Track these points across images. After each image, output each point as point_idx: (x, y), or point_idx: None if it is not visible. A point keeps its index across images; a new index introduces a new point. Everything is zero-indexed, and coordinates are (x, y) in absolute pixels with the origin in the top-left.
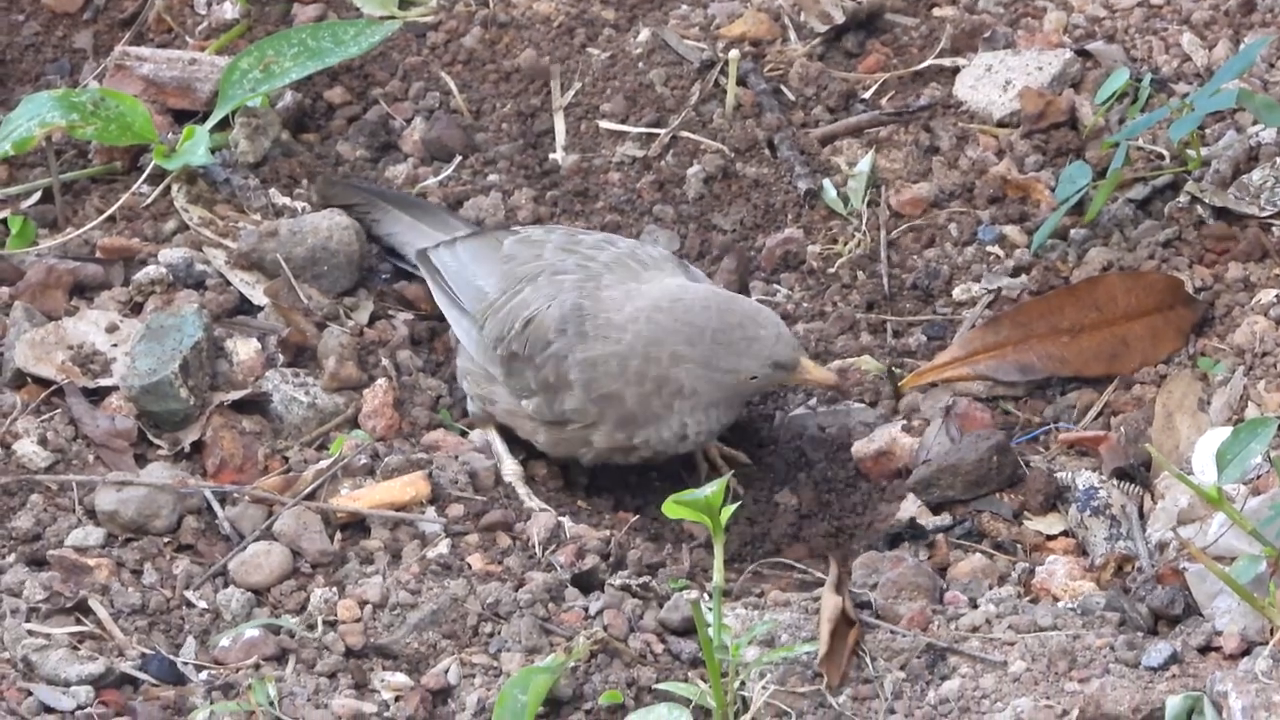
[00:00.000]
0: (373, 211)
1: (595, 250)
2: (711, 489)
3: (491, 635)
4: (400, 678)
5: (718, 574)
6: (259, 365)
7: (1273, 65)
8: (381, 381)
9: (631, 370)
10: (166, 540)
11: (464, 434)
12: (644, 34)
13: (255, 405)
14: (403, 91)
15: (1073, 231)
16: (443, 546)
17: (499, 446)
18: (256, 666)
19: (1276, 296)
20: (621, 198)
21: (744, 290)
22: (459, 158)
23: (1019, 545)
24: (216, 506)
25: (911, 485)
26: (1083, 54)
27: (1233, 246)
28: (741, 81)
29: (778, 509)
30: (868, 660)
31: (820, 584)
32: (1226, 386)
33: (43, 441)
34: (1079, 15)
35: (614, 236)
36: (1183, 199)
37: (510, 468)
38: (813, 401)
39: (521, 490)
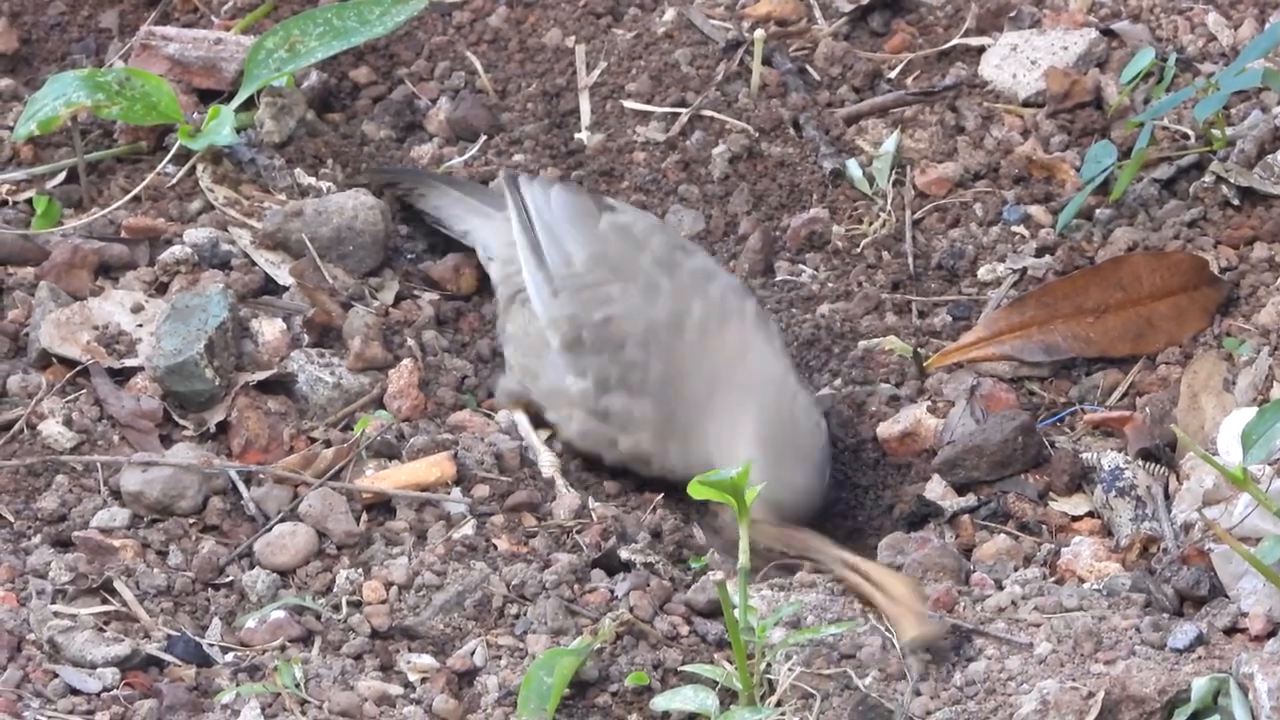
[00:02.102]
0: (419, 187)
1: (694, 286)
2: (737, 469)
3: (517, 617)
4: (426, 659)
5: (743, 555)
6: (284, 345)
7: None
8: (407, 362)
9: (694, 421)
10: (192, 521)
11: (489, 416)
12: (669, 14)
13: (280, 385)
14: (428, 71)
15: (1098, 211)
16: (468, 528)
17: (534, 439)
18: (282, 648)
19: None
20: (646, 177)
21: (768, 270)
22: (484, 137)
23: (1044, 526)
24: (242, 487)
25: (936, 466)
26: (1108, 33)
27: (1258, 226)
28: (767, 61)
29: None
30: (894, 641)
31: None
32: (1252, 367)
33: (68, 422)
34: None
35: (712, 266)
36: (1208, 179)
37: (548, 459)
38: (837, 382)
39: (560, 483)
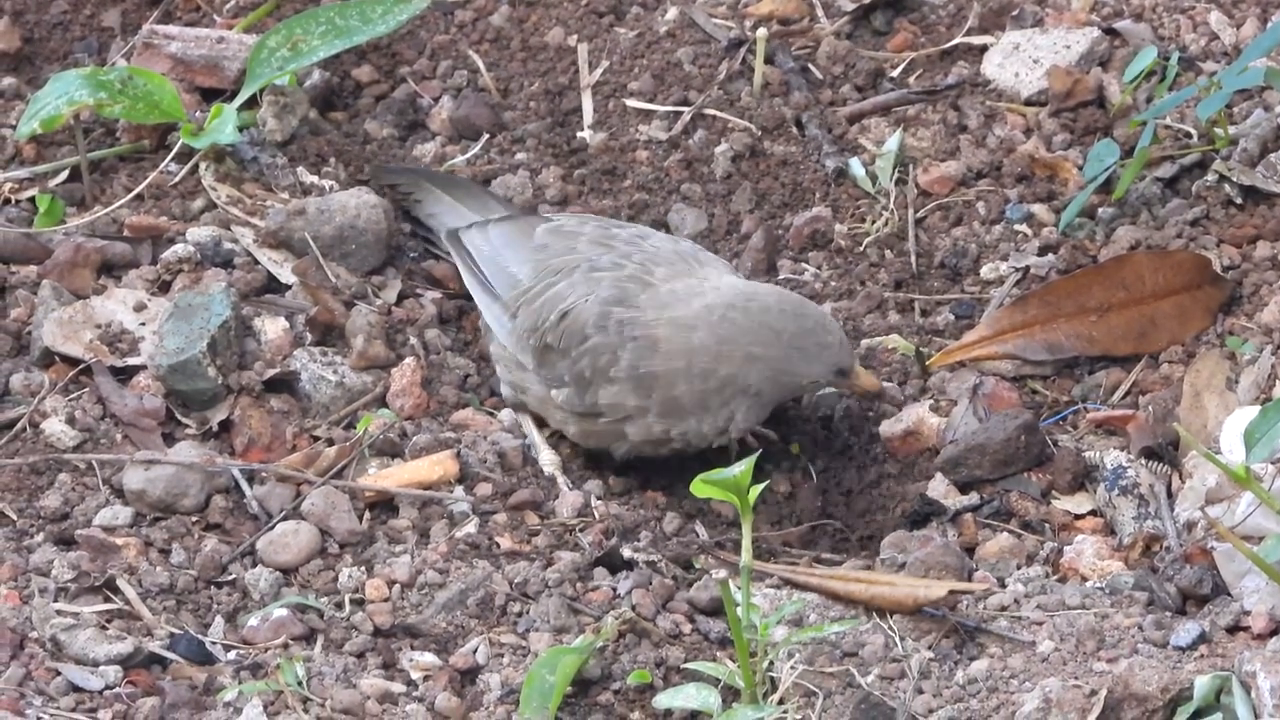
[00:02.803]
0: (415, 192)
1: (630, 246)
2: (740, 468)
3: (520, 615)
4: (429, 657)
5: (746, 553)
6: (287, 344)
7: None
8: (409, 360)
9: (698, 366)
10: (194, 519)
11: (492, 414)
12: (672, 12)
13: (283, 384)
14: (431, 70)
15: (1100, 210)
16: (471, 526)
17: (536, 436)
18: (285, 646)
19: None
20: (649, 176)
21: (771, 269)
22: (487, 136)
23: (1047, 525)
24: (244, 485)
25: (939, 465)
26: (1110, 32)
27: (1261, 225)
28: (769, 60)
29: (805, 488)
30: (896, 639)
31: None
32: (1254, 365)
33: (71, 420)
34: None
35: (646, 230)
36: (1210, 177)
37: (548, 458)
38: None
39: (561, 480)
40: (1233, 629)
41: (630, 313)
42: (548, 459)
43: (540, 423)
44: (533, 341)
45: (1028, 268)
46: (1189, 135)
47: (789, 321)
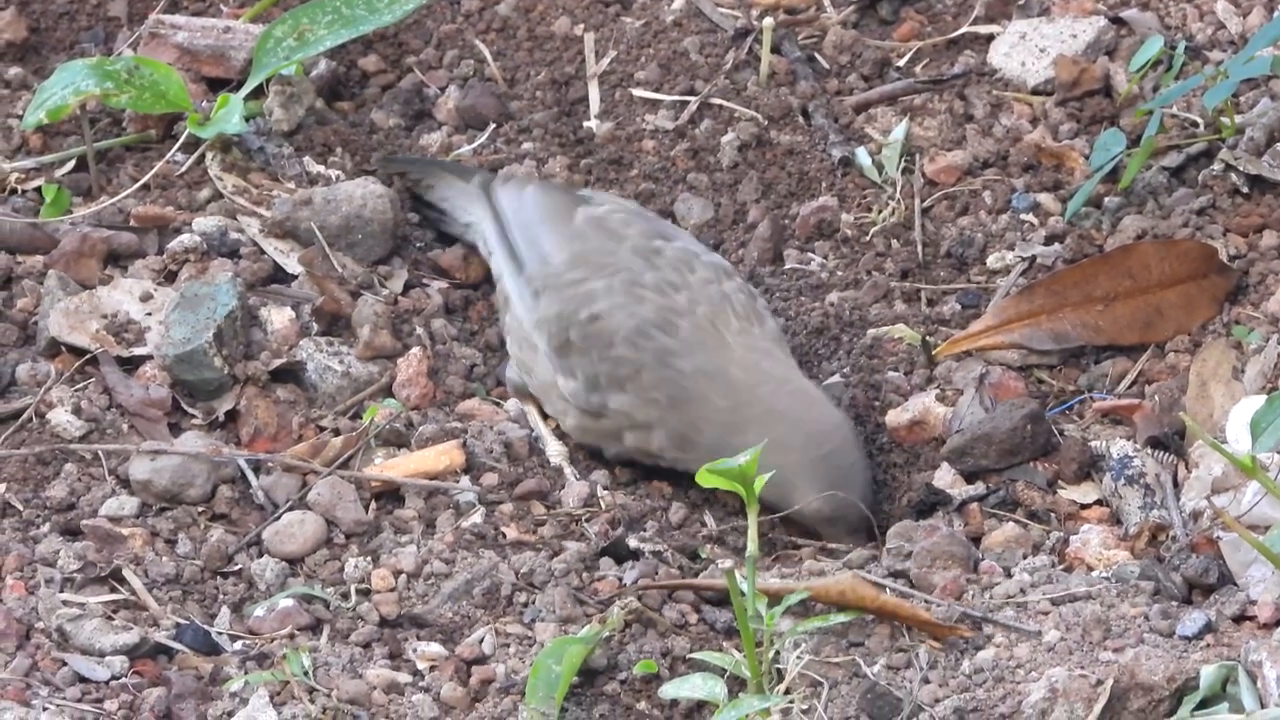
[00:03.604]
0: (426, 177)
1: (676, 274)
2: (745, 457)
3: (526, 605)
4: (435, 647)
5: (752, 543)
6: (293, 334)
7: None
8: (416, 350)
9: (722, 419)
10: (200, 510)
11: (498, 404)
12: (678, 2)
13: (289, 374)
14: (437, 59)
15: (1107, 199)
16: (477, 516)
17: (542, 428)
18: (291, 636)
19: None
20: (655, 166)
21: (777, 258)
22: (493, 126)
23: (1053, 514)
24: (250, 476)
25: (945, 454)
26: (1117, 21)
27: (1267, 214)
28: (776, 49)
29: None
30: (902, 629)
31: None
32: (1261, 355)
33: (77, 411)
34: None
35: (692, 250)
36: (1217, 167)
37: (555, 448)
38: (845, 369)
39: (569, 471)
40: (1239, 618)
41: (670, 342)
42: (555, 449)
43: (541, 408)
44: (553, 329)
45: (1034, 257)
46: (1195, 124)
47: (814, 449)
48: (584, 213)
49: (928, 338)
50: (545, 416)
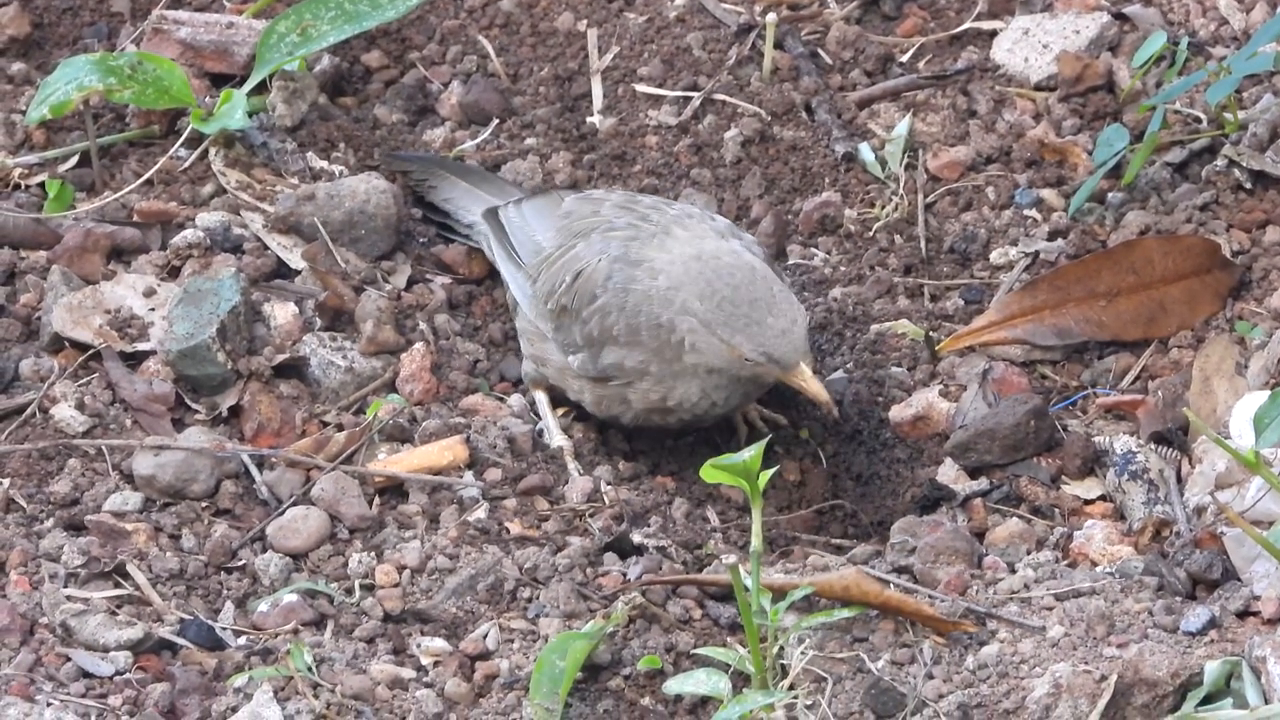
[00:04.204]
0: (430, 178)
1: (652, 210)
2: (750, 453)
3: (530, 600)
4: (439, 643)
5: (756, 538)
6: (296, 329)
7: None
8: (419, 345)
9: (655, 315)
10: (204, 505)
11: (501, 399)
12: None
13: (293, 369)
14: (440, 55)
15: (1110, 195)
16: (481, 511)
17: (550, 420)
18: (295, 631)
19: None
20: (659, 161)
21: (780, 254)
22: (496, 121)
23: (1057, 510)
24: (254, 471)
25: (949, 450)
26: (1120, 17)
27: (1270, 210)
28: (779, 45)
29: (815, 473)
30: (906, 625)
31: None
32: (1264, 350)
33: (80, 406)
34: None
35: (669, 201)
36: (1220, 162)
37: (559, 440)
38: (850, 364)
39: (571, 465)
40: (1243, 614)
41: (630, 270)
42: (559, 441)
43: (559, 401)
44: (550, 305)
45: (1037, 253)
46: (1198, 120)
47: (734, 286)
48: (570, 196)
49: (931, 333)
50: (556, 408)
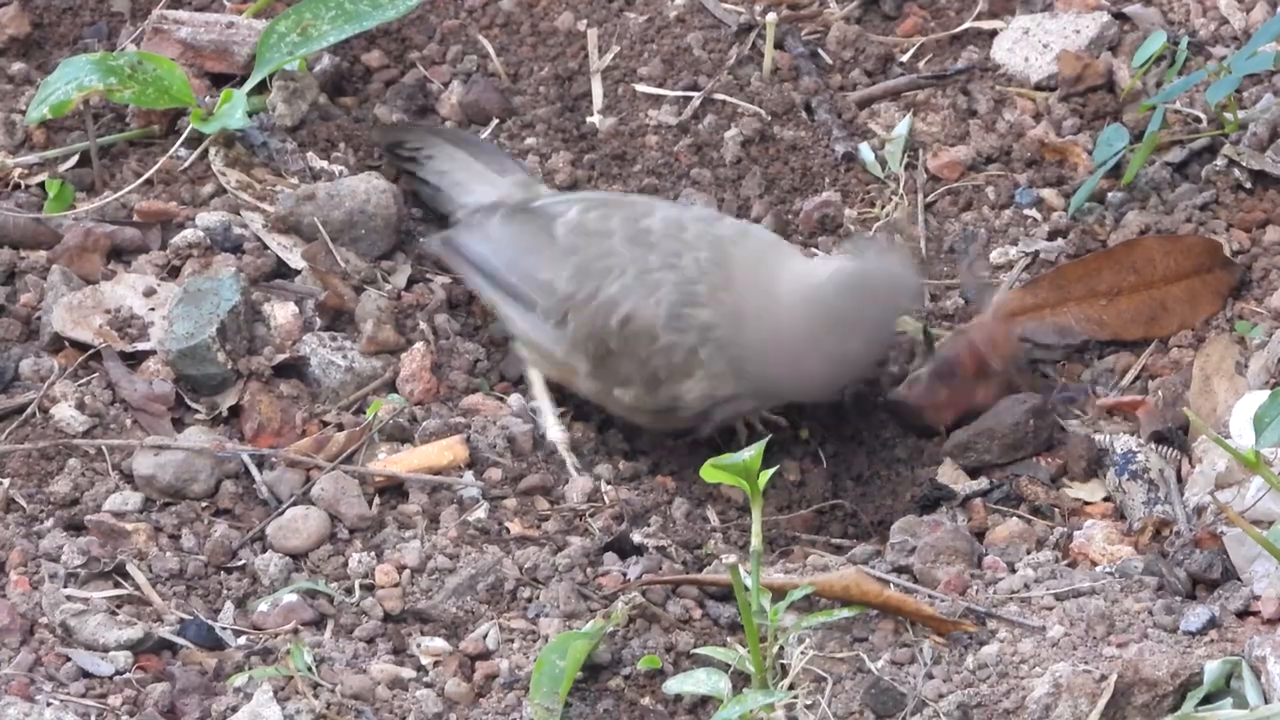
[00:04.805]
0: (425, 148)
1: (669, 239)
2: (750, 452)
3: (530, 600)
4: (439, 643)
5: (756, 538)
6: (296, 329)
7: None
8: (419, 345)
9: (798, 362)
10: (204, 505)
11: (501, 399)
12: None
13: (293, 369)
14: (440, 55)
15: (1110, 195)
16: (481, 511)
17: (549, 415)
18: (295, 631)
19: None
20: (659, 161)
21: None
22: (496, 121)
23: (1056, 509)
24: (254, 471)
25: (948, 449)
26: (1120, 17)
27: (1270, 209)
28: (779, 45)
29: (815, 473)
30: (906, 625)
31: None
32: (1264, 350)
33: (80, 406)
34: None
35: (670, 215)
36: (1220, 162)
37: (557, 435)
38: None
39: (570, 460)
40: (1243, 613)
41: (705, 312)
42: (557, 435)
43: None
44: (592, 348)
45: (1037, 252)
46: (1198, 120)
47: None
48: (562, 226)
49: (929, 330)
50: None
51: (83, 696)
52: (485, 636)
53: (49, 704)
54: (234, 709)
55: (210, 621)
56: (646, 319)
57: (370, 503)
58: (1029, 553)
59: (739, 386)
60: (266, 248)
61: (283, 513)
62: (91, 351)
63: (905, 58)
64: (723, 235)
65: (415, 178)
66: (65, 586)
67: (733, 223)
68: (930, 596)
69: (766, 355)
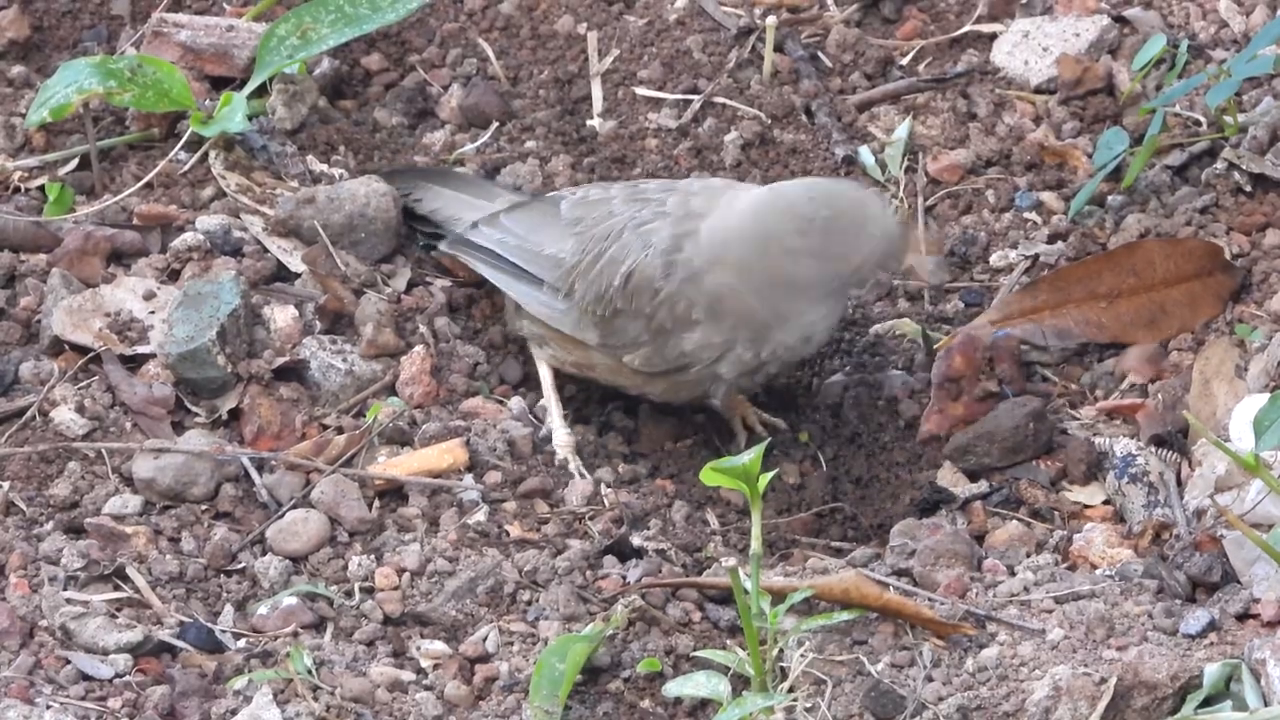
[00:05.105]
0: (414, 191)
1: (664, 193)
2: (749, 456)
3: (529, 603)
4: (438, 646)
5: (755, 541)
6: (296, 332)
7: None
8: (419, 348)
9: (755, 277)
10: (204, 508)
11: (501, 402)
12: (681, 0)
13: (293, 372)
14: (440, 58)
15: (1110, 198)
16: (480, 514)
17: (556, 417)
18: (295, 634)
19: None
20: (659, 164)
21: None
22: (496, 124)
23: (1056, 513)
24: (254, 474)
25: (948, 452)
26: (1120, 20)
27: (1270, 213)
28: (779, 48)
29: (814, 475)
30: (906, 628)
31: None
32: (1263, 353)
33: (80, 409)
34: None
35: (670, 181)
36: (1220, 165)
37: (562, 438)
38: (848, 367)
39: (573, 464)
40: (1242, 616)
41: (685, 253)
42: (562, 440)
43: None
44: (599, 311)
45: (1037, 255)
46: (1198, 123)
47: (820, 206)
48: (566, 203)
49: (929, 332)
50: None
51: (82, 699)
52: (485, 639)
53: (49, 707)
54: (234, 712)
55: (210, 624)
56: (646, 272)
57: (370, 506)
58: (1029, 556)
59: (726, 330)
60: (266, 251)
61: (282, 516)
62: (91, 355)
63: (905, 61)
64: (713, 182)
65: (412, 215)
66: (65, 589)
67: (720, 180)
68: (930, 599)
69: (724, 275)
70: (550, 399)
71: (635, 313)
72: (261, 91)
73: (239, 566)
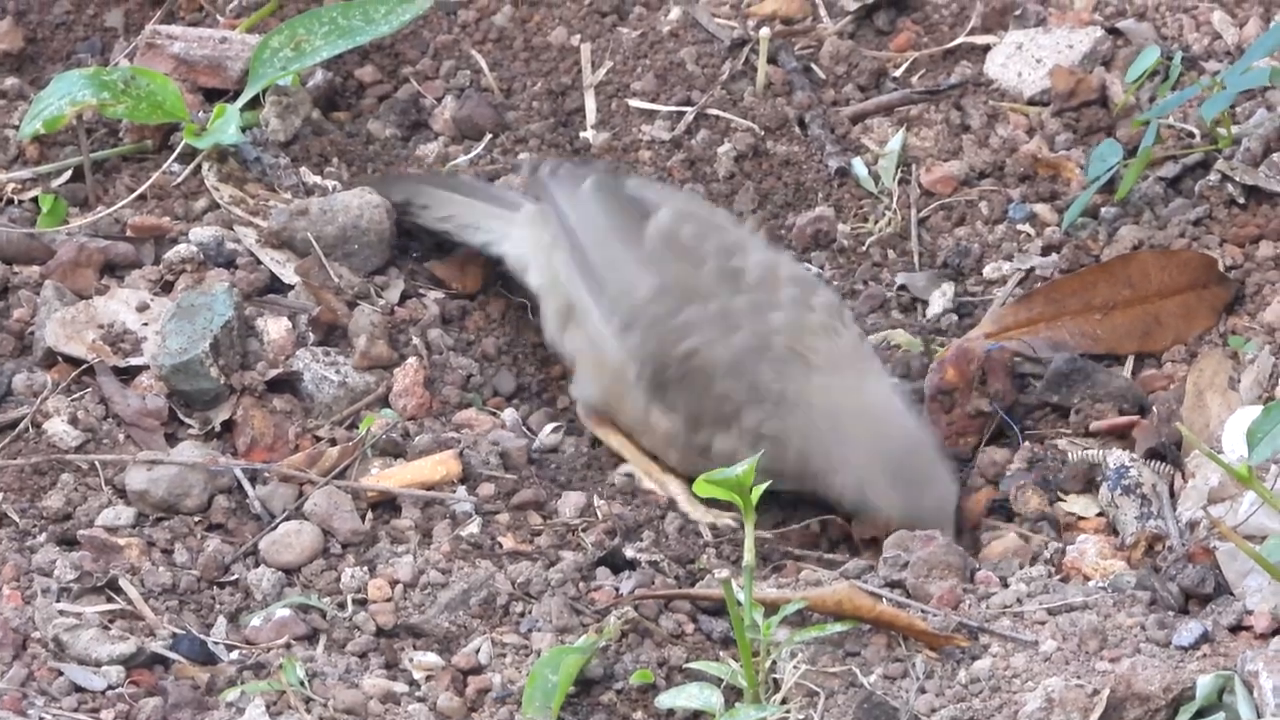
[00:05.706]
0: (420, 198)
1: (762, 294)
2: (743, 467)
3: (522, 615)
4: (431, 657)
5: (749, 553)
6: (290, 344)
7: None
8: (412, 360)
9: (839, 474)
10: (197, 519)
11: (494, 414)
12: (675, 12)
13: (286, 384)
14: (434, 70)
15: (1103, 210)
16: (473, 526)
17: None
18: (288, 646)
19: None
20: (652, 176)
21: None
22: (490, 136)
23: (1049, 524)
24: (247, 485)
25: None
26: (1113, 32)
27: (1264, 225)
28: (772, 60)
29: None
30: (899, 639)
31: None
32: (1256, 365)
33: (73, 421)
34: None
35: (772, 261)
36: (1213, 177)
37: (699, 514)
38: None
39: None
40: (1235, 628)
41: (767, 375)
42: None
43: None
44: (651, 367)
45: (1031, 268)
46: (1192, 135)
47: (901, 453)
48: (654, 228)
49: (928, 342)
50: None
51: (75, 711)
52: (478, 651)
53: (41, 718)
54: None
55: (203, 636)
56: (712, 359)
57: (363, 518)
58: (1022, 567)
59: (768, 460)
60: (260, 263)
61: (275, 528)
62: (84, 366)
63: (898, 73)
64: (811, 321)
65: (421, 228)
66: (58, 601)
67: (824, 304)
68: (923, 611)
69: (815, 460)
70: (632, 459)
71: (684, 387)
72: (255, 103)
73: (232, 578)
